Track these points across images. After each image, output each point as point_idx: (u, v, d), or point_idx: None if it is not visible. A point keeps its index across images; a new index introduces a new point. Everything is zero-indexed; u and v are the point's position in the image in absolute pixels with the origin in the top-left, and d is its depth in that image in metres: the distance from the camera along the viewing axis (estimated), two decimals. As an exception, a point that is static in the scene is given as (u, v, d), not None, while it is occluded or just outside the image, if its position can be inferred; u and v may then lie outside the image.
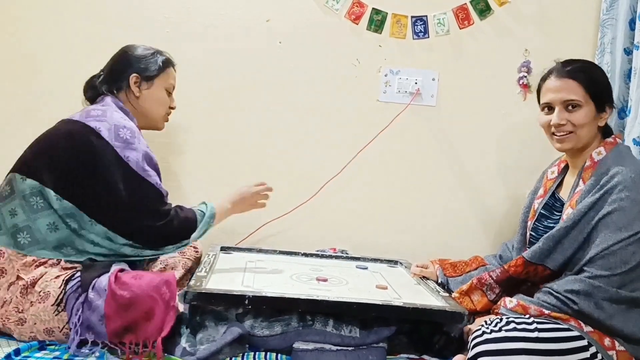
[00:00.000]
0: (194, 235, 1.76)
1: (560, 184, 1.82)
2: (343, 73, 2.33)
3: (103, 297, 1.52)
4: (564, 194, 1.77)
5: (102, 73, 1.89)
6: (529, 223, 1.85)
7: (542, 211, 1.81)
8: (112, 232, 1.65)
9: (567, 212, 1.65)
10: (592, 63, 1.89)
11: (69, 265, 1.63)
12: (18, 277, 1.58)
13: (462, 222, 2.37)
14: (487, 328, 1.46)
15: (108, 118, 1.70)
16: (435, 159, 2.36)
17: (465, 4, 2.30)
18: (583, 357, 1.44)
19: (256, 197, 1.95)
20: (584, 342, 1.45)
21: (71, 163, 1.64)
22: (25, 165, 1.68)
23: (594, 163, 1.67)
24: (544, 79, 1.77)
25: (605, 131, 1.74)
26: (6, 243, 1.63)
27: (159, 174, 1.77)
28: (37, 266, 1.60)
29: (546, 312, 1.51)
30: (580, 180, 1.68)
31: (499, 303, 1.64)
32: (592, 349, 1.45)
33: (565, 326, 1.47)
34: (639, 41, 2.10)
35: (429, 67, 2.33)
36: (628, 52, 2.20)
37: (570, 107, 1.68)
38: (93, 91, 1.87)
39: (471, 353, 1.44)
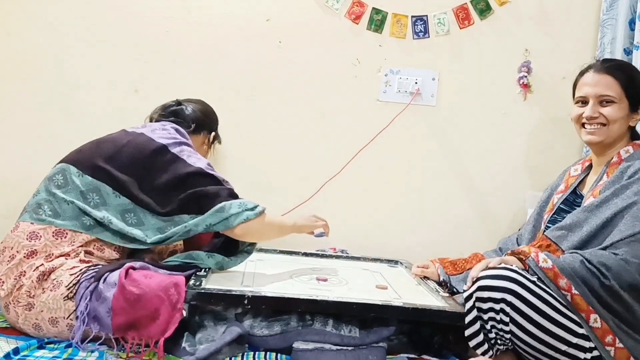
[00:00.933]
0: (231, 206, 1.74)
1: (582, 182, 1.84)
2: (343, 73, 2.33)
3: (112, 290, 1.54)
4: (585, 190, 1.79)
5: (185, 107, 2.01)
6: (545, 216, 1.86)
7: (561, 206, 1.82)
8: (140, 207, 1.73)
9: (590, 201, 1.66)
10: (631, 64, 1.93)
11: (87, 259, 1.67)
12: (42, 264, 1.61)
13: (462, 222, 2.37)
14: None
15: (176, 138, 1.85)
16: (435, 159, 2.36)
17: (466, 3, 2.30)
18: (574, 329, 1.45)
19: (316, 218, 1.99)
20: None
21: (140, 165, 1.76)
22: (84, 163, 1.76)
23: (621, 160, 1.70)
24: (581, 73, 1.80)
25: (634, 135, 1.77)
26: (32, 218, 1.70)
27: None
28: (59, 256, 1.64)
29: (574, 291, 1.47)
30: (605, 175, 1.70)
31: (523, 250, 1.57)
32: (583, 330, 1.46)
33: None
34: (638, 41, 2.10)
35: (429, 67, 2.33)
36: (628, 52, 2.20)
37: (604, 102, 1.72)
38: (171, 116, 1.98)
39: (469, 284, 1.53)
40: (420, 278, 1.98)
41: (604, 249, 1.52)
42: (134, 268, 1.62)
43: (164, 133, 1.85)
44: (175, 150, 1.79)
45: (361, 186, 2.35)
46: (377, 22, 2.31)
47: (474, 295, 1.50)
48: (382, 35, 2.32)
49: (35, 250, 1.64)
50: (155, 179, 1.75)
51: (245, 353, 1.57)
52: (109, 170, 1.73)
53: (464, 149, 2.36)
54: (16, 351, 1.45)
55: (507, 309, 1.45)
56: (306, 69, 2.32)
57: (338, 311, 1.61)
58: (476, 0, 2.30)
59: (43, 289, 1.58)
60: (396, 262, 2.23)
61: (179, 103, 2.03)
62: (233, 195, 1.78)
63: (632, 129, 1.77)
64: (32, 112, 2.26)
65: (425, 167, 2.36)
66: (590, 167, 1.85)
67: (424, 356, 1.65)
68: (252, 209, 1.75)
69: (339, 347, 1.56)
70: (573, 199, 1.81)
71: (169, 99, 2.14)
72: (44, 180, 1.78)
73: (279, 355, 1.57)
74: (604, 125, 1.72)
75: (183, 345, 1.55)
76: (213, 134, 2.08)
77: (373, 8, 2.30)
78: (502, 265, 1.52)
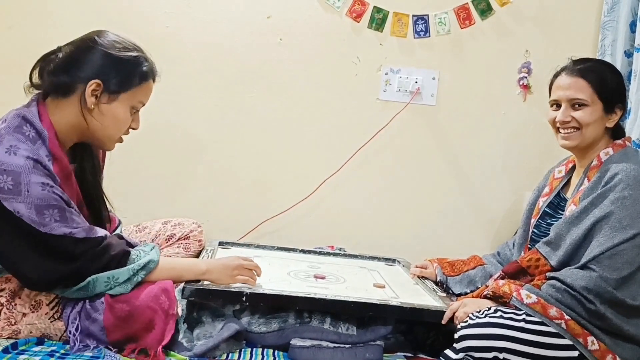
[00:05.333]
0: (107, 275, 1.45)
1: (566, 184, 1.81)
2: (343, 71, 2.33)
3: (101, 310, 1.47)
4: (569, 193, 1.76)
5: (59, 55, 1.48)
6: (532, 220, 1.84)
7: (546, 209, 1.80)
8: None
9: (570, 209, 1.65)
10: (606, 63, 1.86)
11: None
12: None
13: (460, 222, 2.37)
14: (474, 316, 1.47)
15: None
16: (434, 158, 2.37)
17: (467, 3, 2.30)
18: (570, 356, 1.43)
19: (239, 270, 1.63)
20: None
21: None
22: None
23: (600, 163, 1.67)
24: (555, 75, 1.76)
25: (617, 133, 1.73)
26: None
27: (67, 205, 1.43)
28: (5, 282, 1.50)
29: (566, 317, 1.44)
30: (586, 179, 1.68)
31: (504, 291, 1.51)
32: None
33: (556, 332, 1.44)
34: (639, 44, 2.10)
35: (430, 67, 2.34)
36: (628, 54, 2.20)
37: (576, 106, 1.68)
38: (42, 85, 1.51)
39: (456, 337, 1.45)
40: (419, 278, 1.99)
41: (585, 264, 1.49)
42: None
43: None
44: None
45: (360, 185, 2.35)
46: (378, 20, 2.31)
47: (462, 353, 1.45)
48: (383, 34, 2.32)
49: None
50: None
51: (243, 349, 1.57)
52: None
53: (463, 149, 2.37)
54: (15, 346, 1.45)
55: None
56: (306, 67, 2.32)
57: (336, 309, 1.61)
58: (477, 0, 2.30)
59: (23, 314, 1.48)
60: (393, 260, 2.23)
61: (50, 54, 1.51)
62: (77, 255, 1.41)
63: (614, 128, 1.72)
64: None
65: (424, 166, 2.36)
66: (574, 168, 1.82)
67: (420, 354, 1.65)
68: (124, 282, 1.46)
69: (336, 345, 1.57)
70: (557, 202, 1.79)
71: (169, 95, 2.12)
72: None
73: (276, 352, 1.58)
74: (578, 129, 1.68)
75: (181, 340, 1.55)
76: (93, 82, 1.44)
77: (374, 7, 2.30)
78: (484, 315, 1.46)
